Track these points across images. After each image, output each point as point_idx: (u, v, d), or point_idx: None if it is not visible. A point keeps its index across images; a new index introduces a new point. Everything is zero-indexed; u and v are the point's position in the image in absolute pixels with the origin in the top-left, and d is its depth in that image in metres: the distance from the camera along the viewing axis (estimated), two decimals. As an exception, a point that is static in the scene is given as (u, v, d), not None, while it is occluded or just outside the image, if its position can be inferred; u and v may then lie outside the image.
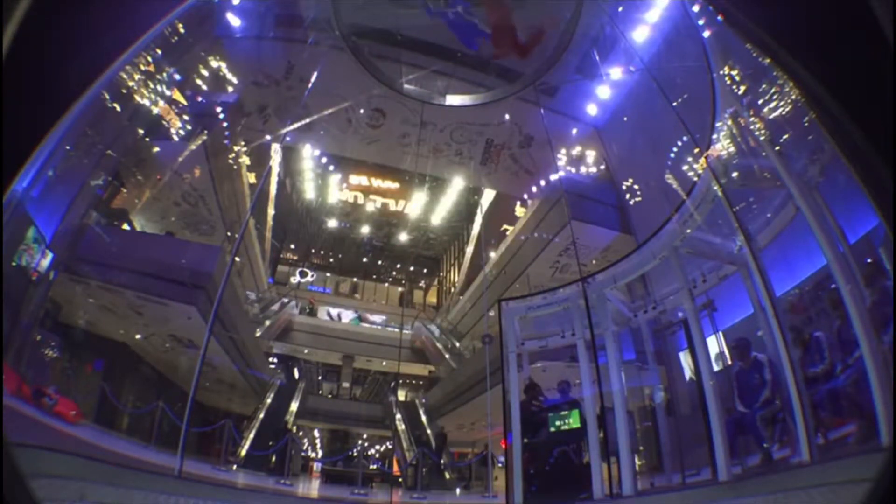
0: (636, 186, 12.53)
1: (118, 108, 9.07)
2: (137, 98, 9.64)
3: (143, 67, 9.40)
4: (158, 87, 10.16)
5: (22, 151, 1.24)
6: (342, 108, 13.25)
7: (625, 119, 12.53)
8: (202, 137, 11.66)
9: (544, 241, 14.14)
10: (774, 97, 5.68)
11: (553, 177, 13.85)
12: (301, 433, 17.89)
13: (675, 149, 9.28)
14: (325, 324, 21.48)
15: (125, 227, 11.64)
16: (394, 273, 28.55)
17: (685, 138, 8.60)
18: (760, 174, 6.10)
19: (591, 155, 14.30)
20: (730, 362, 6.74)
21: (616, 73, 12.18)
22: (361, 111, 13.86)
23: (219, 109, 12.23)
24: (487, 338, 12.41)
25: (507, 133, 14.57)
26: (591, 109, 13.36)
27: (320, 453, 19.75)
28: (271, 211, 20.02)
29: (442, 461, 14.04)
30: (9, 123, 1.14)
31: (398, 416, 16.96)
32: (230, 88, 12.77)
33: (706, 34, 6.95)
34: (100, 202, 10.18)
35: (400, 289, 28.56)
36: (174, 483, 5.78)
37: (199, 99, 11.88)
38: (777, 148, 5.56)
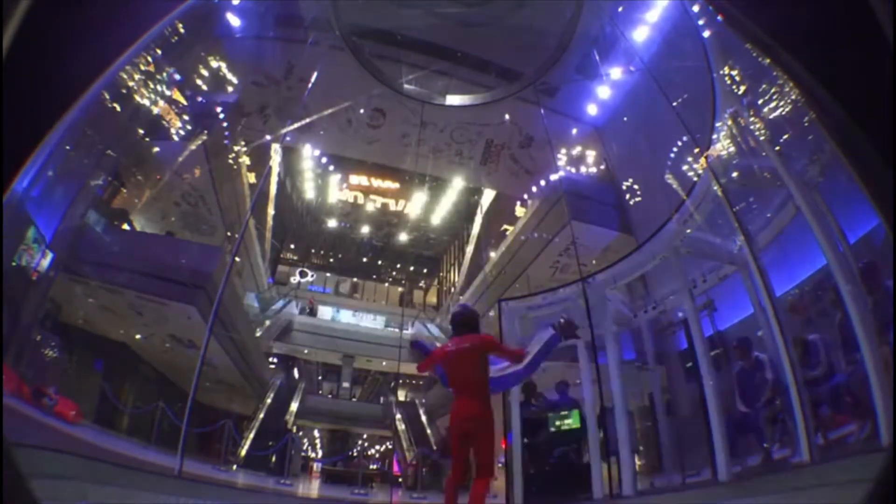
0: (636, 186, 12.51)
1: (118, 108, 9.06)
2: (137, 98, 9.63)
3: (143, 67, 9.39)
4: (158, 87, 10.15)
5: (22, 151, 1.24)
6: (342, 108, 13.23)
7: (625, 119, 12.51)
8: (202, 137, 11.64)
9: (544, 241, 14.12)
10: (774, 97, 5.68)
11: (553, 177, 13.83)
12: (301, 433, 17.87)
13: (675, 149, 9.27)
14: (325, 324, 21.47)
15: (125, 227, 11.63)
16: (394, 273, 28.52)
17: (685, 138, 8.59)
18: (760, 174, 6.09)
19: (591, 155, 14.29)
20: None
21: (616, 73, 12.17)
22: (361, 111, 13.84)
23: (219, 109, 12.22)
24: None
25: (507, 133, 14.55)
26: (591, 109, 13.35)
27: (320, 453, 19.75)
28: (271, 211, 19.98)
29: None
30: (9, 123, 1.14)
31: (398, 416, 16.96)
32: (230, 88, 12.77)
33: (706, 34, 6.94)
34: (100, 202, 10.18)
35: (400, 289, 28.53)
36: (174, 483, 5.78)
37: (199, 99, 11.87)
38: (777, 148, 5.55)
